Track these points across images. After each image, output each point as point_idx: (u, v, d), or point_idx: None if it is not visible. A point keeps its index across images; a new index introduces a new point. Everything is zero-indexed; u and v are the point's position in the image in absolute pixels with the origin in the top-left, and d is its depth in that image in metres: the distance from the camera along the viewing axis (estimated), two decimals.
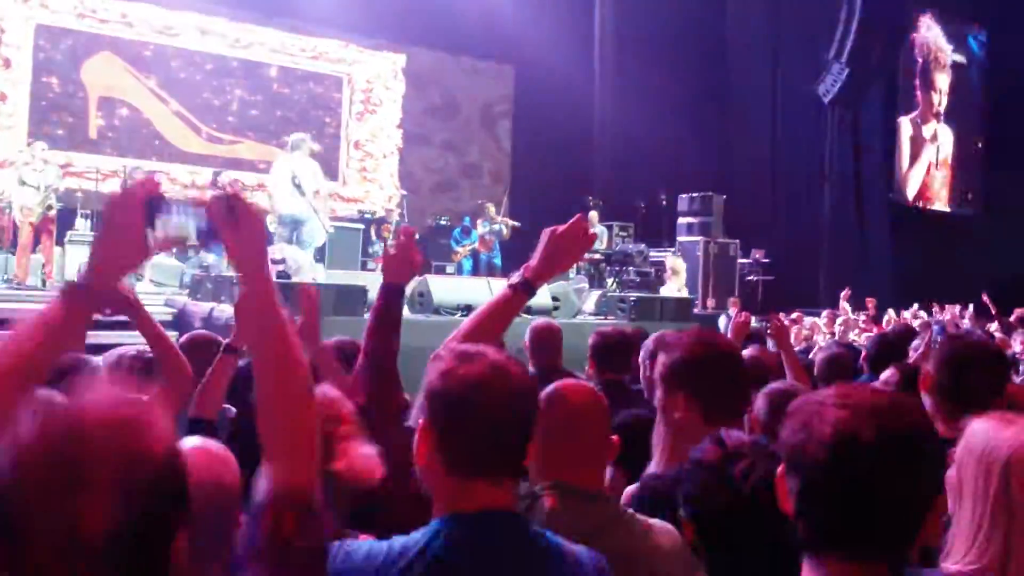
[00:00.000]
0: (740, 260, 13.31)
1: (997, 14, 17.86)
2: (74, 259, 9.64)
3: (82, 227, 10.54)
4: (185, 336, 3.49)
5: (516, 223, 13.39)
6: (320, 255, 11.36)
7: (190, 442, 1.49)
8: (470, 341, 2.67)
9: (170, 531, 0.87)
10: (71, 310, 1.17)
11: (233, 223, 1.17)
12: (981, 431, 1.40)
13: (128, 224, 1.18)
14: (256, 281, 1.20)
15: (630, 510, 1.71)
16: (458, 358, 1.30)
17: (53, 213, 9.31)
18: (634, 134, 15.10)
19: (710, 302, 12.32)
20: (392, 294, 2.13)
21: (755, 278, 13.93)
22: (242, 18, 14.37)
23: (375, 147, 16.11)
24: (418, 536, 1.25)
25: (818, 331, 9.20)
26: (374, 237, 12.42)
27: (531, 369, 3.85)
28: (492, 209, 13.19)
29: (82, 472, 0.81)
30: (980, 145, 19.49)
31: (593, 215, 13.15)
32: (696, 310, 10.93)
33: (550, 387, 1.74)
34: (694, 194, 13.37)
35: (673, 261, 11.63)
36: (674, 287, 11.24)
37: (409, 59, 16.21)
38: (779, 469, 1.14)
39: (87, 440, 0.83)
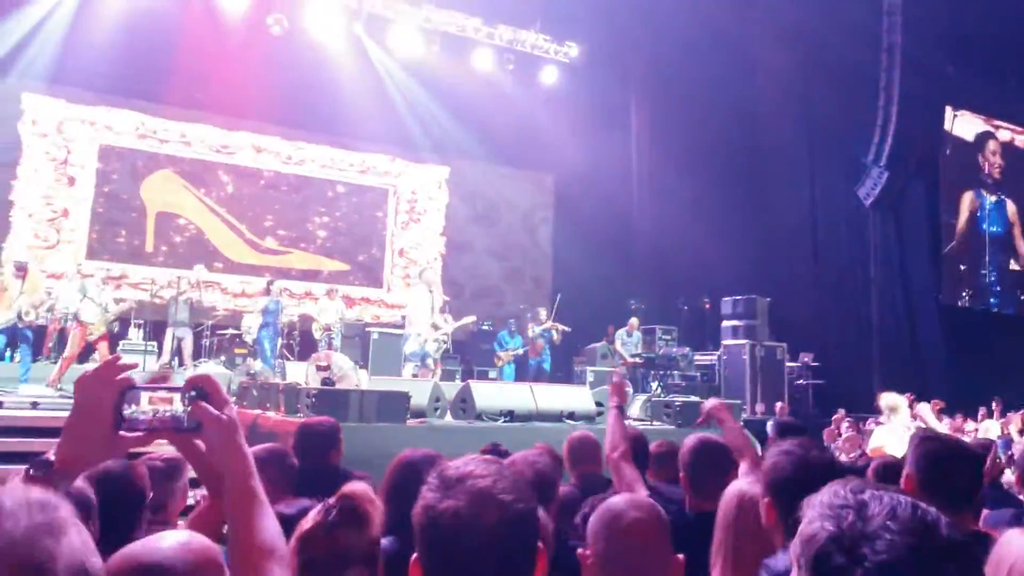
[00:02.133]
0: (788, 363, 13.06)
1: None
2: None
3: (135, 336, 10.85)
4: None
5: (566, 328, 13.41)
6: (364, 361, 11.47)
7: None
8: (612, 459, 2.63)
9: None
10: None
11: (205, 405, 1.20)
12: (1005, 539, 1.37)
13: (98, 411, 1.17)
14: (235, 460, 1.21)
15: None
16: (440, 488, 1.23)
17: (114, 329, 9.65)
18: (674, 238, 15.22)
19: (759, 407, 12.03)
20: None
21: (804, 382, 13.62)
22: (294, 136, 15.11)
23: (419, 254, 16.45)
24: None
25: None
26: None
27: (571, 481, 3.77)
28: (544, 313, 13.28)
29: None
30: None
31: (634, 321, 13.14)
32: (745, 415, 10.66)
33: (603, 505, 1.69)
34: (738, 297, 13.28)
35: (890, 399, 9.19)
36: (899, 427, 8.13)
37: (452, 170, 16.75)
38: None
39: None
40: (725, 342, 13.00)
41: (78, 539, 0.83)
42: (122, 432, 1.18)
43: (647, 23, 15.84)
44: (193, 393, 1.21)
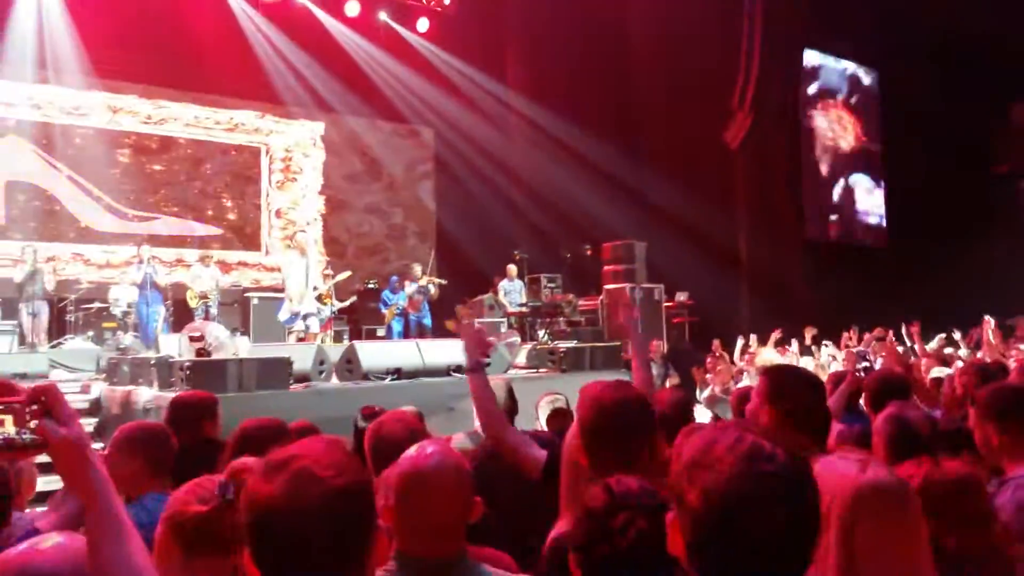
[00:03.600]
0: (665, 303, 13.60)
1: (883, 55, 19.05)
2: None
3: (22, 314, 10.20)
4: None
5: (443, 281, 13.42)
6: (245, 327, 11.17)
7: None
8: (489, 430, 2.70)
9: None
10: None
11: (56, 430, 1.12)
12: (826, 469, 1.46)
13: None
14: (87, 483, 1.14)
15: (488, 568, 1.71)
16: (262, 473, 1.19)
17: None
18: (555, 187, 15.43)
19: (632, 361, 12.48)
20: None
21: (682, 319, 14.25)
22: (153, 94, 14.24)
23: (297, 215, 16.01)
24: None
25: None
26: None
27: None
28: (418, 269, 13.19)
29: None
30: (882, 180, 20.58)
31: (511, 268, 13.31)
32: (625, 356, 11.05)
33: (402, 456, 1.73)
34: (617, 242, 13.66)
35: (765, 355, 8.78)
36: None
37: (327, 126, 16.28)
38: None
39: None
40: (607, 286, 13.37)
41: None
42: None
43: None
44: (34, 407, 1.11)
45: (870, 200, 20.71)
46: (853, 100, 20.43)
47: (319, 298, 11.85)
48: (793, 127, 17.88)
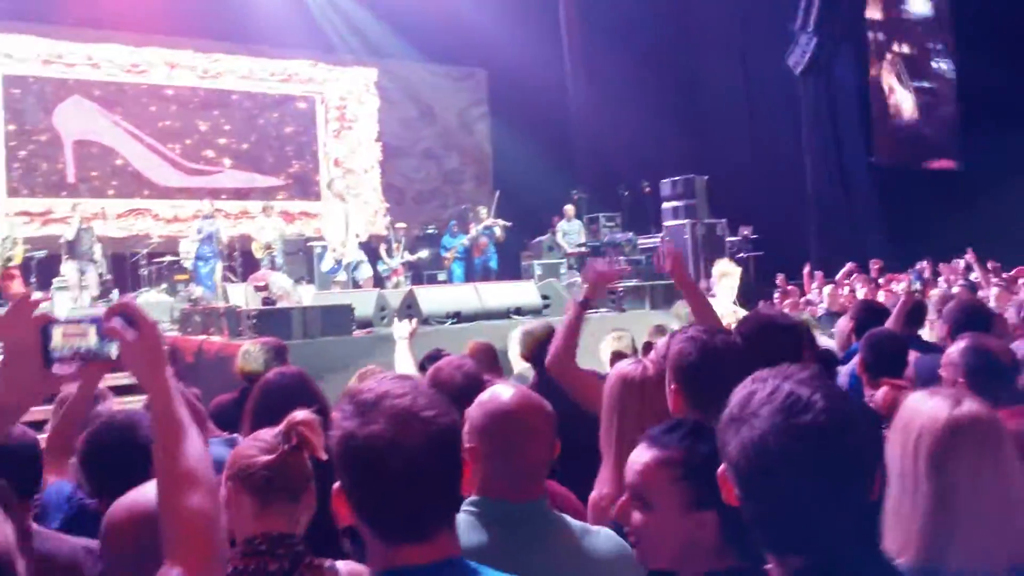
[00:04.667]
0: (729, 239, 13.29)
1: None
2: (62, 306, 9.63)
3: (68, 272, 10.52)
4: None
5: (508, 223, 13.39)
6: (310, 276, 11.38)
7: None
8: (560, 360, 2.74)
9: None
10: None
11: (129, 331, 1.17)
12: (909, 404, 1.40)
13: (22, 353, 1.16)
14: (154, 389, 1.19)
15: (567, 517, 1.69)
16: (357, 413, 1.18)
17: (13, 264, 9.25)
18: (612, 124, 15.10)
19: (703, 284, 12.29)
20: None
21: (745, 254, 13.91)
22: (208, 48, 14.38)
23: (355, 163, 16.10)
24: None
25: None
26: (383, 255, 12.33)
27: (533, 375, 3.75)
28: (484, 212, 13.20)
29: None
30: (954, 103, 19.52)
31: (568, 208, 13.18)
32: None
33: (483, 397, 1.70)
34: (676, 178, 13.34)
35: (722, 266, 8.07)
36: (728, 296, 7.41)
37: (380, 72, 16.21)
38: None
39: None
40: (667, 223, 13.13)
41: (2, 535, 0.83)
42: (53, 369, 1.17)
43: None
44: (113, 324, 1.18)
45: (943, 122, 19.71)
46: (924, 16, 19.30)
47: (388, 249, 11.99)
48: (859, 48, 17.04)
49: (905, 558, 1.29)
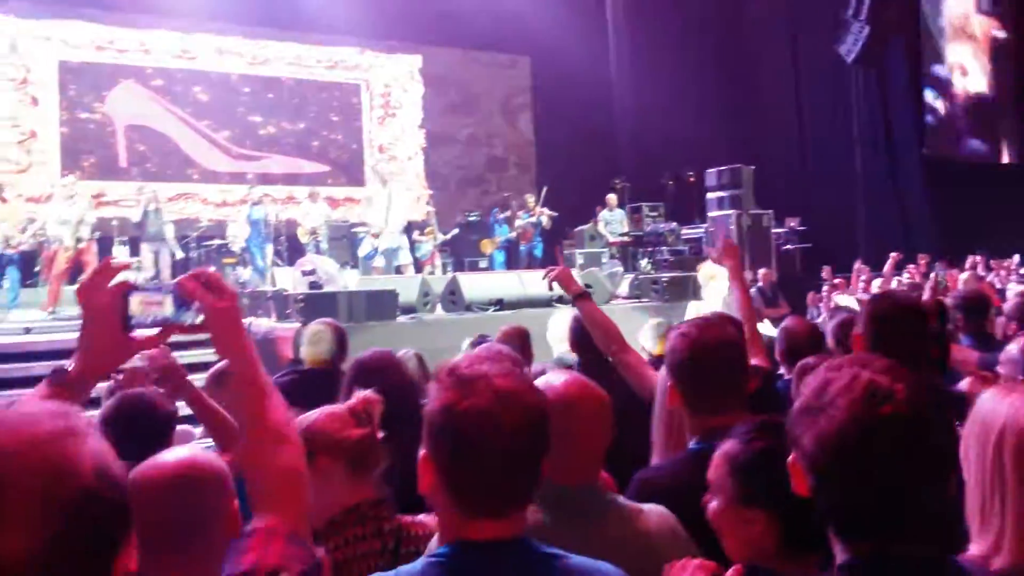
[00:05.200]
0: (775, 230, 13.09)
1: None
2: None
3: (120, 254, 10.76)
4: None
5: (554, 212, 13.38)
6: (354, 262, 11.50)
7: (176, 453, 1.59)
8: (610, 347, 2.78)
9: (107, 549, 0.82)
10: (58, 398, 1.15)
11: (209, 297, 1.19)
12: (986, 401, 1.36)
13: (101, 313, 1.19)
14: (234, 352, 1.21)
15: (620, 497, 1.70)
16: (460, 386, 1.20)
17: (84, 245, 9.49)
18: (656, 112, 14.95)
19: (747, 274, 12.15)
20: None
21: (792, 247, 13.69)
22: (257, 35, 14.55)
23: (399, 150, 16.19)
24: (420, 566, 1.22)
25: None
26: (419, 239, 12.41)
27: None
28: (531, 200, 13.21)
29: None
30: (1013, 96, 18.93)
31: (610, 197, 13.10)
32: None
33: (540, 384, 1.69)
34: (722, 168, 13.17)
35: (709, 268, 8.04)
36: (716, 298, 7.48)
37: (424, 59, 16.25)
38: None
39: (2, 458, 0.77)
40: (711, 214, 12.98)
41: (99, 444, 0.84)
42: (133, 334, 1.20)
43: None
44: (196, 287, 1.20)
45: (999, 115, 19.14)
46: (980, 4, 18.72)
47: (422, 232, 12.05)
48: (913, 37, 16.60)
49: (1000, 561, 1.26)
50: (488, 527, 1.19)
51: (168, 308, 1.21)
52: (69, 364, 1.19)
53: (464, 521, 1.20)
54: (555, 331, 4.32)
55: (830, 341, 3.44)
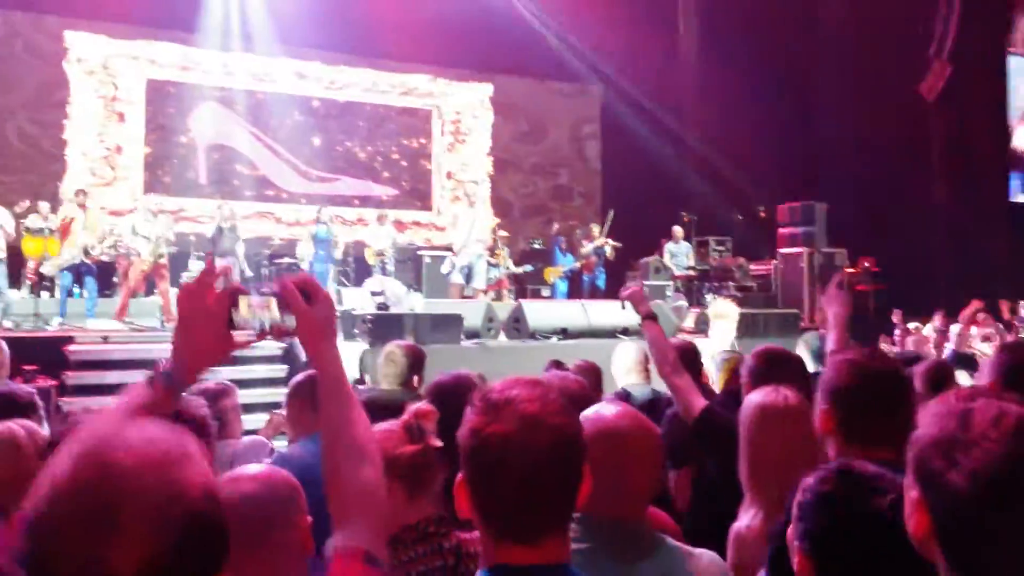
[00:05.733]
0: (848, 270, 12.75)
1: None
2: None
3: (196, 269, 11.06)
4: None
5: (618, 243, 13.31)
6: (418, 284, 11.61)
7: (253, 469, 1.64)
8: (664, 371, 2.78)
9: (209, 569, 0.85)
10: (156, 399, 1.20)
11: (305, 303, 1.22)
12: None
13: (205, 315, 1.21)
14: (325, 359, 1.24)
15: (669, 539, 1.66)
16: (487, 411, 1.20)
17: (164, 260, 9.77)
18: (727, 146, 14.79)
19: (818, 315, 11.83)
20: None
21: (866, 287, 13.31)
22: (335, 61, 14.94)
23: (467, 175, 16.36)
24: None
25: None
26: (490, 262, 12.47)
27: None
28: (596, 230, 13.17)
29: (112, 511, 0.79)
30: None
31: (676, 229, 12.96)
32: (804, 324, 10.52)
33: (590, 414, 1.67)
34: (794, 204, 12.93)
35: (720, 306, 7.74)
36: (722, 338, 6.83)
37: (495, 87, 16.44)
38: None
39: (119, 477, 0.81)
40: (782, 250, 12.73)
41: (205, 466, 0.88)
42: (234, 335, 1.23)
43: None
44: (294, 291, 1.24)
45: None
46: None
47: (492, 255, 12.11)
48: (998, 76, 16.10)
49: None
50: (522, 553, 1.18)
51: (274, 311, 1.24)
52: (163, 365, 1.22)
53: (498, 546, 1.20)
54: (620, 363, 4.29)
55: (920, 386, 3.29)
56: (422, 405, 1.89)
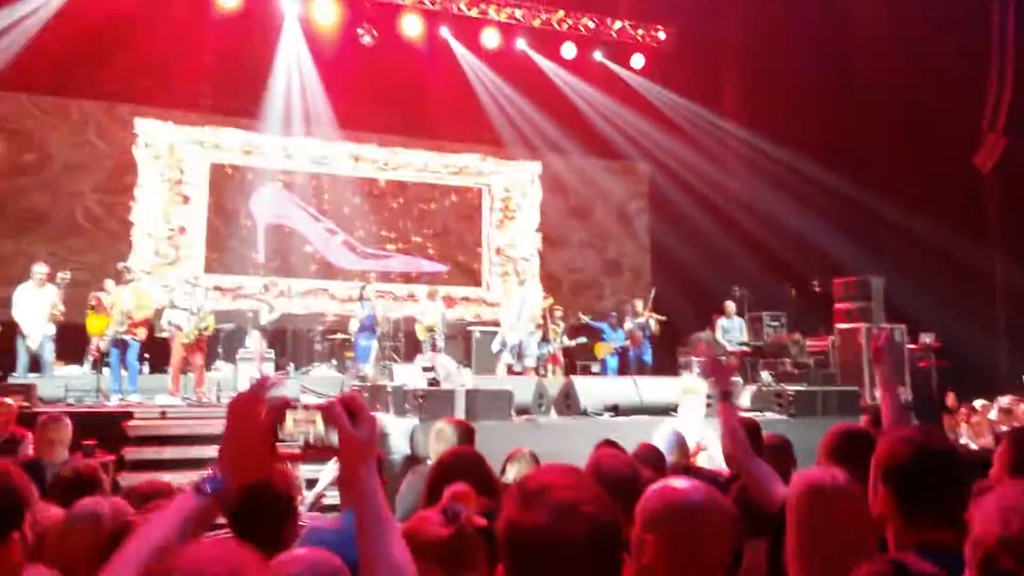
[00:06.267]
0: (909, 345, 12.39)
1: None
2: (244, 375, 10.30)
3: (253, 344, 11.28)
4: None
5: (663, 317, 13.20)
6: (467, 360, 11.63)
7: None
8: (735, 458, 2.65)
9: None
10: (204, 507, 1.21)
11: (350, 423, 1.24)
12: None
13: (253, 427, 1.23)
14: (362, 481, 1.24)
15: None
16: (522, 500, 1.21)
17: (207, 334, 9.98)
18: (778, 220, 14.71)
19: (878, 393, 11.46)
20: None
21: (928, 364, 12.89)
22: (390, 142, 15.45)
23: (516, 251, 16.52)
24: None
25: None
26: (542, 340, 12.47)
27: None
28: (640, 305, 13.12)
29: None
30: None
31: (728, 305, 12.83)
32: (864, 402, 10.20)
33: (658, 487, 1.65)
34: (849, 278, 12.71)
35: (689, 382, 7.42)
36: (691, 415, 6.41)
37: (544, 165, 16.74)
38: None
39: None
40: (839, 326, 12.46)
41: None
42: (280, 448, 1.25)
43: None
44: (340, 412, 1.25)
45: None
46: None
47: (544, 336, 12.11)
48: None
49: None
50: None
51: (319, 426, 1.25)
52: (210, 472, 1.23)
53: None
54: (659, 445, 4.26)
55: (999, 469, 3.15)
56: (459, 486, 1.88)
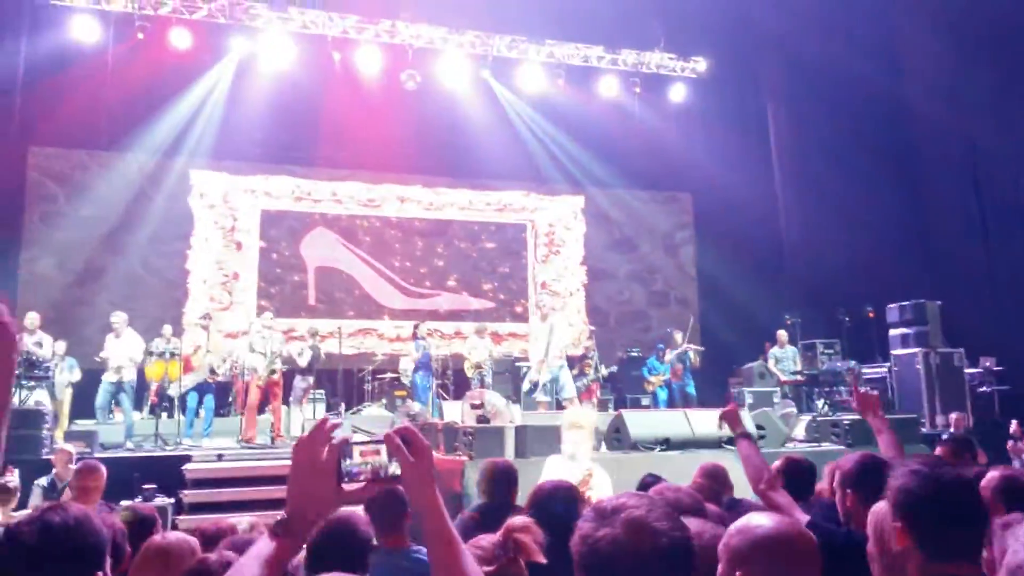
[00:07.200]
0: (968, 370, 12.02)
1: None
2: (296, 417, 10.47)
3: (300, 386, 11.47)
4: None
5: (701, 348, 13.05)
6: (516, 396, 11.61)
7: None
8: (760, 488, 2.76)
9: None
10: (280, 548, 1.27)
11: (408, 453, 1.29)
12: None
13: (317, 467, 1.29)
14: (427, 506, 1.29)
15: None
16: (597, 518, 1.28)
17: (277, 376, 10.15)
18: (828, 245, 14.49)
19: (939, 419, 11.13)
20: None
21: (988, 388, 12.48)
22: (434, 183, 15.72)
23: (561, 286, 16.56)
24: None
25: None
26: (576, 373, 12.43)
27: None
28: (679, 337, 12.97)
29: None
30: None
31: (781, 334, 12.62)
32: (924, 429, 9.91)
33: (740, 524, 1.65)
34: (904, 303, 12.42)
35: (573, 415, 5.66)
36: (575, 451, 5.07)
37: (587, 199, 16.81)
38: None
39: None
40: (895, 352, 12.16)
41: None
42: (344, 485, 1.30)
43: (776, 23, 15.28)
44: (398, 442, 1.31)
45: None
46: None
47: (582, 369, 12.04)
48: None
49: None
50: None
51: (383, 457, 1.31)
52: (282, 515, 1.29)
53: None
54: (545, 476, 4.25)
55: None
56: (516, 520, 1.90)
